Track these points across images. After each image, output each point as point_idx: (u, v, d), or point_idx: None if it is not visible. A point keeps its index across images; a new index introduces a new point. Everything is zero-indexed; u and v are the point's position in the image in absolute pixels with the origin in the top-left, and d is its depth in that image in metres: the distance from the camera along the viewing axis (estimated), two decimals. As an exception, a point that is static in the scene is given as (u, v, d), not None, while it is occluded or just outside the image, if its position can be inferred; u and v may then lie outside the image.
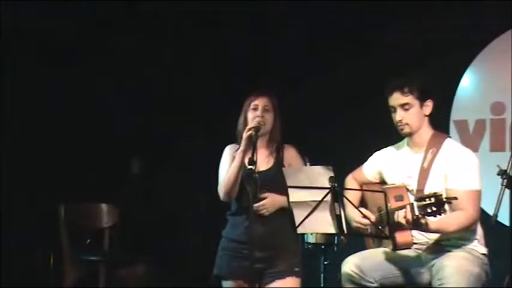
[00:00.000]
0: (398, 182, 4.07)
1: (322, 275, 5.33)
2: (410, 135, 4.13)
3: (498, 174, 3.83)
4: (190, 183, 6.59)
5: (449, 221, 3.91)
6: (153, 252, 6.21)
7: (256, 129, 4.31)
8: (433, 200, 3.73)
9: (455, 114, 6.06)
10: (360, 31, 6.15)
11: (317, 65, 6.29)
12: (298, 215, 3.91)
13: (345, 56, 6.19)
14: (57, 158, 6.26)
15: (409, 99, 4.06)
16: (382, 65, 5.89)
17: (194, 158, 6.66)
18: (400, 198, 3.90)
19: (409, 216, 3.79)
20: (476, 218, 4.01)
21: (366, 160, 4.39)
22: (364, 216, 4.01)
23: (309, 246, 5.27)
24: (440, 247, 4.04)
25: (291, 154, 4.50)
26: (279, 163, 4.43)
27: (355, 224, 4.06)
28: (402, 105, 4.07)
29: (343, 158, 4.84)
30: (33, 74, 6.22)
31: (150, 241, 6.40)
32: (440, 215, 3.76)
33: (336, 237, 5.14)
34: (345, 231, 3.92)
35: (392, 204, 3.87)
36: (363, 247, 4.30)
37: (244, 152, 4.32)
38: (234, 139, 4.51)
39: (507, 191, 3.81)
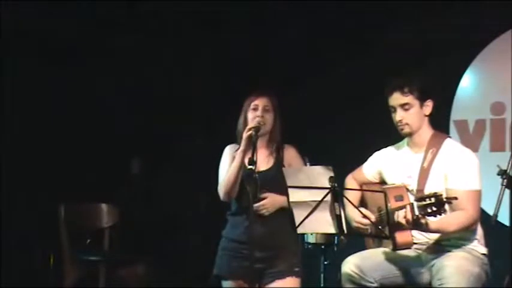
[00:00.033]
0: (398, 182, 4.07)
1: (322, 275, 5.33)
2: (410, 135, 4.13)
3: (498, 174, 3.83)
4: (190, 183, 6.59)
5: (449, 221, 3.91)
6: (153, 252, 6.21)
7: (256, 129, 4.31)
8: (433, 200, 3.73)
9: (455, 114, 6.06)
10: (360, 31, 6.15)
11: (317, 65, 6.29)
12: (298, 215, 3.91)
13: (345, 56, 6.19)
14: (57, 158, 6.26)
15: (409, 99, 4.06)
16: (382, 65, 5.89)
17: (194, 158, 6.66)
18: (400, 198, 3.90)
19: (409, 216, 3.79)
20: (477, 218, 4.01)
21: (366, 160, 4.39)
22: (364, 216, 4.01)
23: (309, 246, 5.27)
24: (440, 247, 4.04)
25: (291, 154, 4.50)
26: (279, 163, 4.43)
27: (355, 224, 4.06)
28: (402, 105, 4.07)
29: (343, 158, 4.83)
30: (33, 74, 6.22)
31: (150, 241, 6.40)
32: (440, 215, 3.76)
33: (336, 237, 5.14)
34: (345, 231, 3.92)
35: (392, 204, 3.87)
36: (363, 247, 4.30)
37: (244, 152, 4.32)
38: (234, 139, 4.51)
39: (507, 191, 3.81)
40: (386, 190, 3.92)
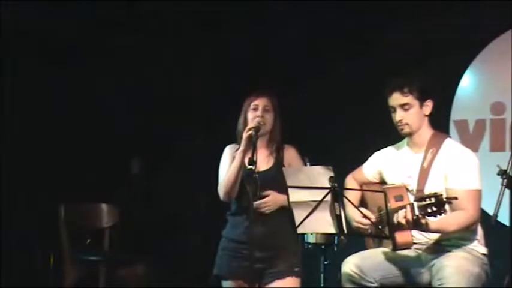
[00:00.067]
0: (398, 182, 4.07)
1: (322, 275, 5.33)
2: (410, 135, 4.13)
3: (498, 174, 3.82)
4: (190, 183, 6.59)
5: (449, 220, 3.91)
6: (153, 252, 6.21)
7: (256, 129, 4.31)
8: (433, 200, 3.73)
9: (455, 114, 6.06)
10: (360, 31, 6.15)
11: (317, 65, 6.29)
12: (298, 215, 3.91)
13: (345, 56, 6.19)
14: (57, 158, 6.26)
15: (409, 99, 4.06)
16: (382, 65, 5.89)
17: (194, 158, 6.66)
18: (400, 198, 3.90)
19: (409, 216, 3.79)
20: (477, 218, 4.00)
21: (366, 160, 4.39)
22: (364, 216, 4.01)
23: (309, 246, 5.27)
24: (441, 247, 4.04)
25: (291, 154, 4.50)
26: (279, 163, 4.43)
27: (355, 224, 4.07)
28: (402, 106, 4.07)
29: (343, 158, 4.83)
30: (33, 74, 6.22)
31: (150, 241, 6.40)
32: (440, 215, 3.76)
33: (336, 237, 5.14)
34: (345, 231, 3.92)
35: (393, 204, 3.87)
36: (363, 247, 4.30)
37: (244, 152, 4.32)
38: (234, 139, 4.51)
39: (507, 191, 3.80)
40: (386, 190, 3.92)
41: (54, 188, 6.11)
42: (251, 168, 4.16)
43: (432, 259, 4.04)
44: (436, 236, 4.02)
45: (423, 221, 3.79)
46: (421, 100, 4.08)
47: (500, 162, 3.91)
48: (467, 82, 6.10)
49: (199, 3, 6.38)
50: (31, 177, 6.15)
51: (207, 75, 6.68)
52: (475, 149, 5.54)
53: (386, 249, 4.10)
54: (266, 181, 4.33)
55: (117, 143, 6.51)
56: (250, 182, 4.23)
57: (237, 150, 4.40)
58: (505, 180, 3.79)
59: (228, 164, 4.45)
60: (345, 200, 3.91)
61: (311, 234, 5.17)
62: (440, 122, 4.44)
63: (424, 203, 3.75)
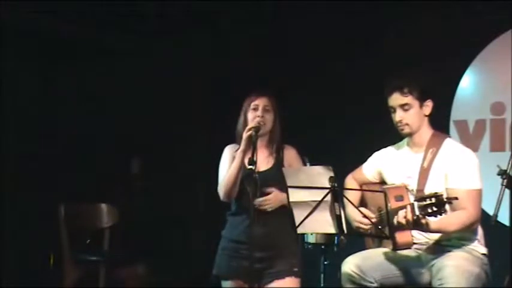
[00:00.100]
0: (398, 182, 4.07)
1: (322, 275, 5.33)
2: (410, 135, 4.13)
3: (498, 174, 3.82)
4: (190, 183, 6.59)
5: (450, 220, 3.91)
6: (153, 252, 6.21)
7: (256, 129, 4.31)
8: (433, 200, 3.73)
9: (455, 114, 6.06)
10: (360, 31, 6.15)
11: (317, 65, 6.29)
12: (298, 215, 3.91)
13: (345, 56, 6.19)
14: (57, 158, 6.25)
15: (408, 99, 4.06)
16: (382, 65, 5.89)
17: (194, 158, 6.66)
18: (400, 198, 3.89)
19: (410, 217, 3.79)
20: (478, 217, 4.00)
21: (366, 160, 4.38)
22: (365, 216, 4.01)
23: (309, 246, 5.27)
24: (441, 247, 4.04)
25: (291, 155, 4.49)
26: (279, 163, 4.43)
27: (356, 224, 4.06)
28: (402, 106, 4.07)
29: (343, 158, 4.83)
30: (33, 74, 6.22)
31: (150, 241, 6.39)
32: (441, 215, 3.75)
33: (336, 237, 5.14)
34: (345, 231, 3.92)
35: (393, 204, 3.87)
36: (363, 247, 4.29)
37: (244, 152, 4.32)
38: (234, 139, 4.51)
39: (507, 191, 3.80)
40: (386, 190, 3.92)
41: (54, 188, 6.11)
42: (251, 168, 4.16)
43: (432, 259, 4.04)
44: (436, 236, 4.01)
45: (423, 221, 3.79)
46: (421, 100, 4.07)
47: (500, 162, 3.90)
48: (467, 82, 6.10)
49: (199, 3, 6.37)
50: (31, 177, 6.14)
51: (207, 76, 6.68)
52: (475, 149, 5.54)
53: (387, 249, 4.10)
54: (266, 181, 4.33)
55: (117, 143, 6.51)
56: (250, 182, 4.23)
57: (237, 150, 4.40)
58: (505, 180, 3.79)
59: (228, 164, 4.44)
60: (345, 200, 3.91)
61: (311, 234, 5.17)
62: (440, 122, 4.43)
63: (424, 203, 3.75)
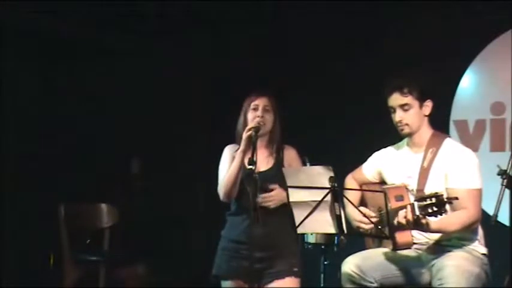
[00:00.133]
0: (398, 182, 4.07)
1: (322, 275, 5.33)
2: (410, 135, 4.13)
3: (498, 174, 3.82)
4: (190, 183, 6.59)
5: (450, 220, 3.91)
6: (153, 252, 6.21)
7: (256, 129, 4.31)
8: (434, 200, 3.73)
9: (455, 114, 6.06)
10: (360, 31, 6.15)
11: (317, 65, 6.29)
12: (298, 215, 3.91)
13: (345, 56, 6.19)
14: (57, 158, 6.25)
15: (408, 99, 4.06)
16: (382, 65, 5.89)
17: (194, 158, 6.66)
18: (400, 198, 3.89)
19: (410, 217, 3.79)
20: (478, 217, 4.00)
21: (366, 160, 4.38)
22: (365, 216, 4.01)
23: (309, 246, 5.27)
24: (441, 247, 4.04)
25: (291, 155, 4.49)
26: (279, 163, 4.43)
27: (356, 224, 4.06)
28: (402, 106, 4.07)
29: (343, 158, 4.83)
30: (33, 74, 6.22)
31: (150, 241, 6.39)
32: (441, 215, 3.75)
33: (336, 237, 5.14)
34: (345, 231, 3.92)
35: (393, 204, 3.87)
36: (363, 247, 4.29)
37: (244, 152, 4.32)
38: (234, 139, 4.51)
39: (507, 191, 3.80)
40: (386, 190, 3.92)
41: (54, 188, 6.10)
42: (251, 169, 4.15)
43: (432, 259, 4.04)
44: (436, 236, 4.01)
45: (424, 221, 3.78)
46: (421, 100, 4.07)
47: (500, 162, 3.91)
48: (467, 82, 6.10)
49: (199, 3, 6.37)
50: (31, 177, 6.14)
51: (207, 75, 6.68)
52: (475, 149, 5.54)
53: (387, 249, 4.10)
54: (266, 181, 4.33)
55: (117, 143, 6.51)
56: (250, 182, 4.23)
57: (237, 151, 4.39)
58: (505, 180, 3.79)
59: (228, 164, 4.44)
60: (345, 200, 3.91)
61: (311, 234, 5.17)
62: (440, 122, 4.44)
63: (424, 203, 3.75)
